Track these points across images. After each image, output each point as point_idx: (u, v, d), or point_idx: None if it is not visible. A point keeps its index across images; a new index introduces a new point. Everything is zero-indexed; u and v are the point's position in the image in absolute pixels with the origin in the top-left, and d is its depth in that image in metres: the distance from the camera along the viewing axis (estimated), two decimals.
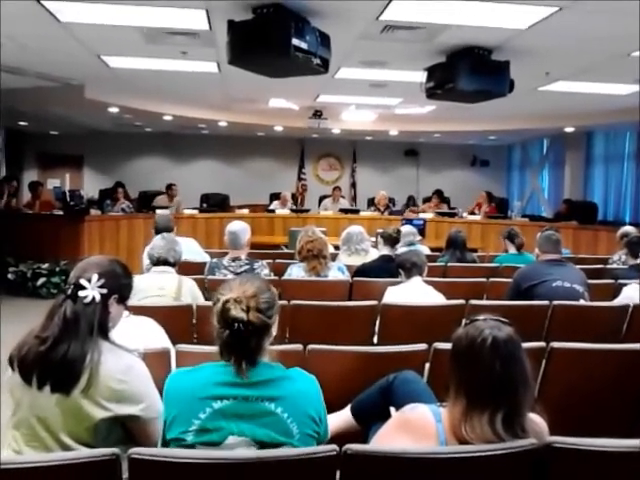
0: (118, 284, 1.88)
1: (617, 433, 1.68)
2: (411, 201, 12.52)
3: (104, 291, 1.80)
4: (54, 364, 1.70)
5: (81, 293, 1.76)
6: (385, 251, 4.69)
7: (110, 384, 1.73)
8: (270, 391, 1.67)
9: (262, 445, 1.63)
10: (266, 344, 1.73)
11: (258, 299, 1.70)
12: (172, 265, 3.56)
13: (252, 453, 1.59)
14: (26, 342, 1.75)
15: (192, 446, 1.63)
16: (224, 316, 1.67)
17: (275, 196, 11.35)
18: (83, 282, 1.78)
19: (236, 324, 1.65)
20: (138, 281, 3.47)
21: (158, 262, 3.53)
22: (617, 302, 3.84)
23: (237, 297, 1.68)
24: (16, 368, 1.74)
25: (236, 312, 1.66)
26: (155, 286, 3.43)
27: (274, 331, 1.76)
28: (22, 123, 12.02)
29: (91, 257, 1.94)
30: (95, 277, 1.79)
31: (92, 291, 1.78)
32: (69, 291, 1.78)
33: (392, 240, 4.72)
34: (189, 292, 3.52)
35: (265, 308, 1.71)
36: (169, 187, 10.18)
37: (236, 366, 1.67)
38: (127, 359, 1.82)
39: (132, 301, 3.38)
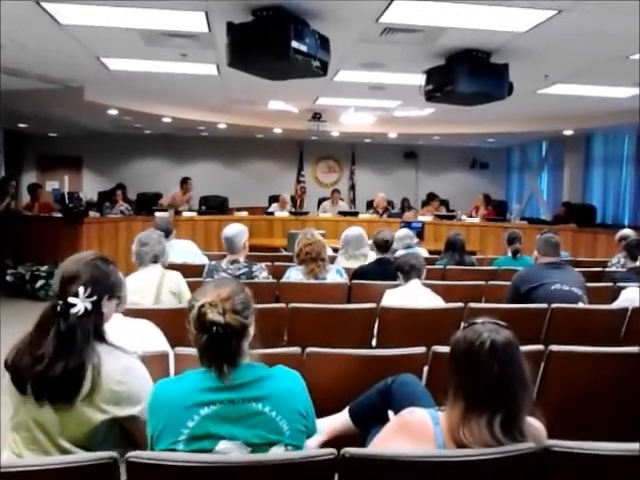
0: (106, 285, 1.85)
1: (616, 437, 1.68)
2: (405, 203, 12.53)
3: (94, 298, 1.77)
4: (53, 381, 1.68)
5: (73, 310, 1.73)
6: (381, 255, 4.67)
7: (110, 386, 1.73)
8: (255, 391, 1.66)
9: (254, 446, 1.62)
10: (245, 345, 1.72)
11: (233, 301, 1.69)
12: (154, 261, 3.70)
13: (250, 457, 1.59)
14: (19, 352, 1.73)
15: None
16: (201, 321, 1.65)
17: (274, 198, 11.36)
18: (72, 300, 1.73)
19: (214, 328, 1.64)
20: (127, 281, 3.59)
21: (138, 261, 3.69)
22: (616, 305, 3.84)
23: (212, 301, 1.67)
24: (10, 379, 1.73)
25: (213, 316, 1.64)
26: (140, 280, 3.57)
27: (252, 331, 1.75)
28: (21, 125, 12.01)
29: (70, 260, 1.85)
30: (81, 290, 1.75)
31: (82, 303, 1.74)
32: (59, 308, 1.73)
33: (384, 247, 4.67)
34: (172, 283, 3.63)
35: (241, 309, 1.70)
36: (184, 181, 10.16)
37: (217, 370, 1.66)
38: (125, 360, 1.81)
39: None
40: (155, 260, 3.72)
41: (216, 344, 1.65)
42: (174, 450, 1.61)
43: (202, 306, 1.66)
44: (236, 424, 1.63)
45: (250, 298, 1.77)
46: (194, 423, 1.62)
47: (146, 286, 3.56)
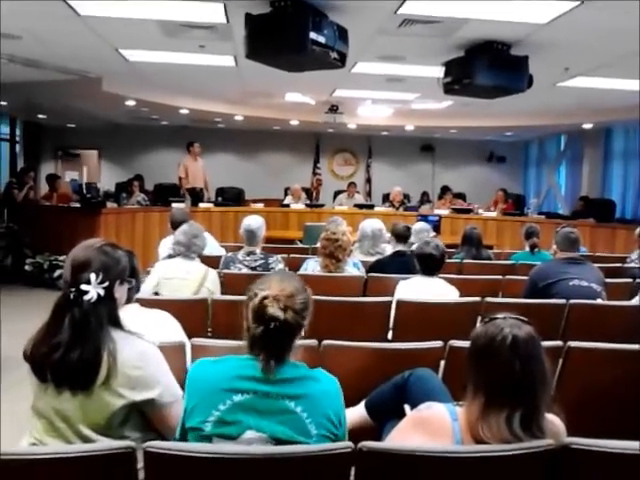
0: (117, 271, 1.85)
1: (636, 435, 1.65)
2: (425, 197, 12.46)
3: (106, 284, 1.78)
4: (71, 368, 1.70)
5: (86, 297, 1.73)
6: (398, 248, 4.65)
7: (126, 371, 1.74)
8: (291, 389, 1.66)
9: (279, 442, 1.62)
10: (296, 343, 1.72)
11: (295, 299, 1.68)
12: (198, 254, 3.82)
13: (267, 449, 1.58)
14: (36, 342, 1.74)
15: (209, 437, 1.64)
16: (260, 313, 1.65)
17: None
18: (84, 287, 1.74)
19: (272, 323, 1.63)
20: (165, 265, 3.76)
21: (185, 252, 3.76)
22: (635, 302, 3.79)
23: (276, 295, 1.66)
24: (30, 368, 1.75)
25: (273, 310, 1.64)
26: (182, 269, 3.67)
27: (303, 331, 1.75)
28: (40, 116, 12.11)
29: (78, 248, 1.86)
30: (93, 276, 1.75)
31: (95, 290, 1.75)
32: (72, 296, 1.74)
33: (404, 237, 4.66)
34: (212, 282, 3.72)
35: (301, 309, 1.69)
36: (191, 144, 10.12)
37: (264, 363, 1.65)
38: (140, 345, 1.82)
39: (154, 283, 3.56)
40: (200, 254, 3.84)
41: (270, 338, 1.64)
42: (201, 430, 1.63)
43: (265, 298, 1.65)
44: (265, 417, 1.63)
45: (310, 298, 1.77)
46: (225, 407, 1.63)
47: (191, 277, 3.65)
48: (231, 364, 1.70)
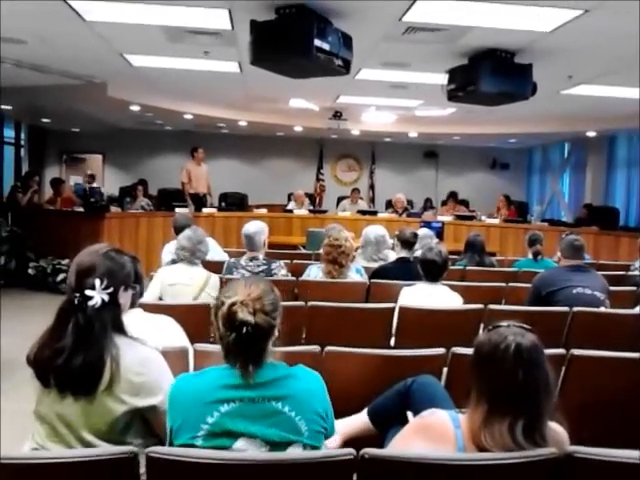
0: (121, 277, 1.86)
1: (639, 443, 1.65)
2: (428, 203, 12.46)
3: (110, 290, 1.78)
4: (74, 373, 1.69)
5: (90, 303, 1.74)
6: (403, 254, 4.65)
7: (129, 377, 1.74)
8: (276, 391, 1.65)
9: (273, 445, 1.62)
10: (270, 345, 1.71)
11: (263, 301, 1.68)
12: (200, 260, 3.86)
13: (269, 455, 1.58)
14: (40, 346, 1.74)
15: None
16: (230, 319, 1.64)
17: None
18: (88, 292, 1.74)
19: (244, 328, 1.62)
20: (168, 271, 3.79)
21: (189, 258, 3.80)
22: (638, 310, 3.78)
23: (243, 300, 1.65)
24: (34, 373, 1.75)
25: (243, 315, 1.63)
26: (186, 275, 3.70)
27: (277, 332, 1.74)
28: (45, 120, 12.15)
29: (84, 253, 1.86)
30: (98, 282, 1.75)
31: (99, 295, 1.75)
32: (76, 301, 1.74)
33: (410, 243, 4.66)
34: (213, 287, 3.72)
35: (270, 310, 1.69)
36: (194, 149, 10.13)
37: (242, 369, 1.65)
38: (143, 351, 1.82)
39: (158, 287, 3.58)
40: (203, 260, 3.88)
41: (243, 344, 1.64)
42: (192, 445, 1.61)
43: (233, 304, 1.65)
44: (255, 422, 1.62)
45: (279, 298, 1.77)
46: (213, 419, 1.62)
47: (195, 282, 3.67)
48: (212, 375, 1.69)
